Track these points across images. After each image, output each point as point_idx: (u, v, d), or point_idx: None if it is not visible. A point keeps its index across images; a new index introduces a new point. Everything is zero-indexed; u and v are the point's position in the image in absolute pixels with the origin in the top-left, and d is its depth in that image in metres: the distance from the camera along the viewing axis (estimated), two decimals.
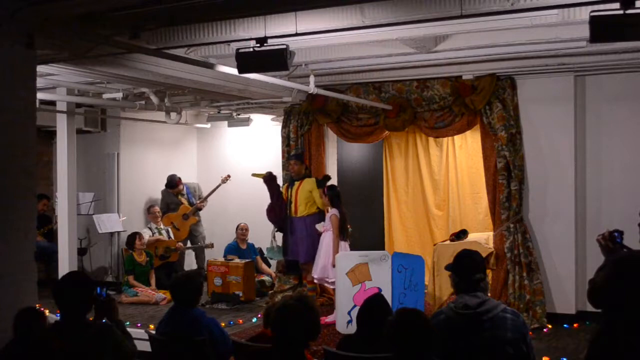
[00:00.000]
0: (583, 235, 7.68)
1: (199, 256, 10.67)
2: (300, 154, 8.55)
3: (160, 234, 10.12)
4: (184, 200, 10.47)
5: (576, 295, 7.63)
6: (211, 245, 10.33)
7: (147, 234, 9.92)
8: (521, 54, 7.09)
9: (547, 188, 7.77)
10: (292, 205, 8.06)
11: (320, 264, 7.67)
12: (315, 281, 7.88)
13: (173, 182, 10.45)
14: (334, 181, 9.13)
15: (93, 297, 3.77)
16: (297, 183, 8.10)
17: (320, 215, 8.03)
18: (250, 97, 8.53)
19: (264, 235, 10.11)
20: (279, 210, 8.20)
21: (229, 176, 10.35)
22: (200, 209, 10.43)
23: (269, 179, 8.21)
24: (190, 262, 10.95)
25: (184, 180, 10.73)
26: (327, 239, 7.69)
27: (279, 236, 8.62)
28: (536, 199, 7.82)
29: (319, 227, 7.87)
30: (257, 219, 10.34)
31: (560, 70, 7.52)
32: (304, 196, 8.04)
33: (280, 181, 9.32)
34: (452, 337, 3.51)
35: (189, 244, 10.65)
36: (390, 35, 5.94)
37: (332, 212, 7.70)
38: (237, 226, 9.93)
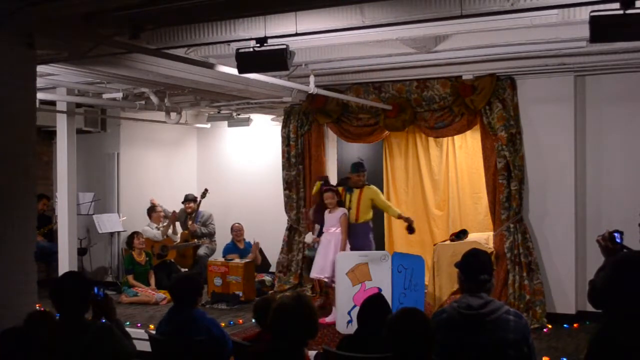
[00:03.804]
0: (583, 235, 7.68)
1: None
2: (361, 165, 8.09)
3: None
4: (190, 222, 10.25)
5: (576, 295, 7.63)
6: (207, 241, 10.29)
7: (150, 230, 9.93)
8: (521, 54, 7.09)
9: (547, 188, 7.77)
10: (353, 212, 7.90)
11: (331, 263, 7.63)
12: (327, 280, 7.83)
13: (187, 197, 10.30)
14: (334, 181, 9.14)
15: (90, 296, 3.78)
16: (356, 190, 7.93)
17: (370, 224, 7.97)
18: (250, 97, 8.52)
19: (264, 235, 10.14)
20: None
21: (206, 190, 10.24)
22: (194, 231, 10.15)
23: (325, 183, 8.21)
24: None
25: (183, 190, 10.67)
26: (335, 239, 7.71)
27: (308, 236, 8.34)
28: (536, 199, 7.82)
29: (308, 239, 7.81)
30: (257, 219, 10.38)
31: (560, 70, 7.52)
32: (366, 204, 7.89)
33: (280, 181, 9.36)
34: (454, 337, 3.50)
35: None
36: (390, 35, 5.94)
37: (342, 211, 7.74)
38: (232, 227, 9.92)
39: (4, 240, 4.62)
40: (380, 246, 9.80)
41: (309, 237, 7.89)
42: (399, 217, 8.05)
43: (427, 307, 7.42)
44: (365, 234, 7.93)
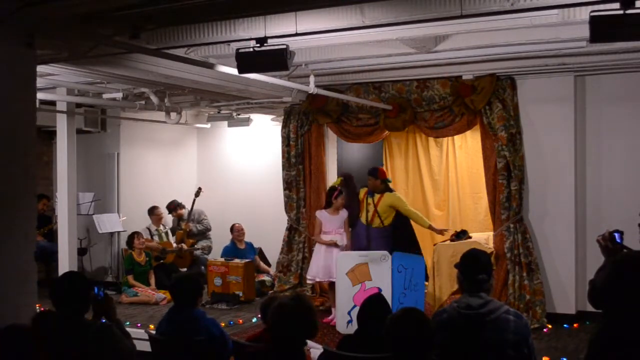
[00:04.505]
0: (583, 235, 7.68)
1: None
2: (373, 169, 8.13)
3: (160, 237, 10.10)
4: (185, 223, 10.32)
5: (576, 295, 7.63)
6: (204, 243, 10.34)
7: (147, 232, 9.94)
8: (521, 54, 7.09)
9: (547, 188, 7.77)
10: (370, 215, 7.89)
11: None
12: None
13: (170, 207, 10.43)
14: (334, 181, 9.14)
15: (90, 296, 3.78)
16: (377, 195, 7.92)
17: (387, 229, 7.96)
18: (250, 97, 8.53)
19: (264, 235, 10.14)
20: (350, 211, 8.01)
21: (200, 189, 10.36)
22: (190, 230, 10.25)
23: (345, 182, 8.14)
24: None
25: (183, 190, 10.73)
26: (345, 240, 7.77)
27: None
28: (536, 199, 7.82)
29: (341, 241, 7.72)
30: (257, 219, 10.37)
31: (560, 70, 7.52)
32: (383, 210, 7.88)
33: (280, 181, 9.34)
34: (454, 337, 3.51)
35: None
36: (390, 35, 5.94)
37: (345, 212, 7.83)
38: (232, 227, 9.91)
39: (4, 240, 4.62)
40: None
41: (341, 239, 7.80)
42: (430, 227, 8.06)
43: (427, 307, 7.42)
44: (376, 238, 7.88)
